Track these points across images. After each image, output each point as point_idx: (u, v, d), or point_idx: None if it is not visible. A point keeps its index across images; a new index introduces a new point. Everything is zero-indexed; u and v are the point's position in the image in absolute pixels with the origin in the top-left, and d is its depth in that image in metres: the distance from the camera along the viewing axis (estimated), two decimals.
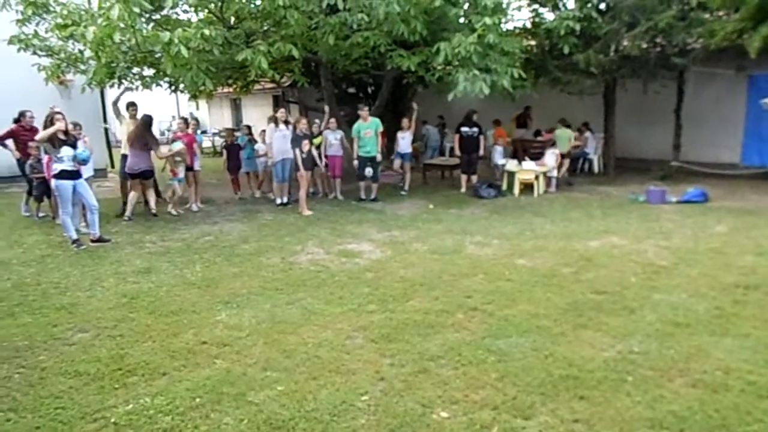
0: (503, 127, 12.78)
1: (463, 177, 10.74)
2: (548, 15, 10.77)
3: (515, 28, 11.20)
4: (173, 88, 11.74)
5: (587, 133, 12.50)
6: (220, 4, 8.38)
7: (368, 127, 9.55)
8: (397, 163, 10.79)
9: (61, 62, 9.56)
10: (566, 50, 9.60)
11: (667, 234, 6.83)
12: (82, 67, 9.57)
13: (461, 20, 8.95)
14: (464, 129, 10.50)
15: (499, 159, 11.37)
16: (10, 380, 3.48)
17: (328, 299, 4.82)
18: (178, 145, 8.59)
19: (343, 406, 3.10)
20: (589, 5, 9.88)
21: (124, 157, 8.43)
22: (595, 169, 12.59)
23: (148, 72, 10.23)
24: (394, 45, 9.28)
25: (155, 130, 8.82)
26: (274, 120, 9.41)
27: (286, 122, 9.28)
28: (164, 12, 9.18)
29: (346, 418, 2.99)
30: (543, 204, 9.25)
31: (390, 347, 3.84)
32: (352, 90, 15.56)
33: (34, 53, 9.31)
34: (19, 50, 9.11)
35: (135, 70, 9.89)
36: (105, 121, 12.91)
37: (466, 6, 9.10)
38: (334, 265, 5.85)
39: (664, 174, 10.99)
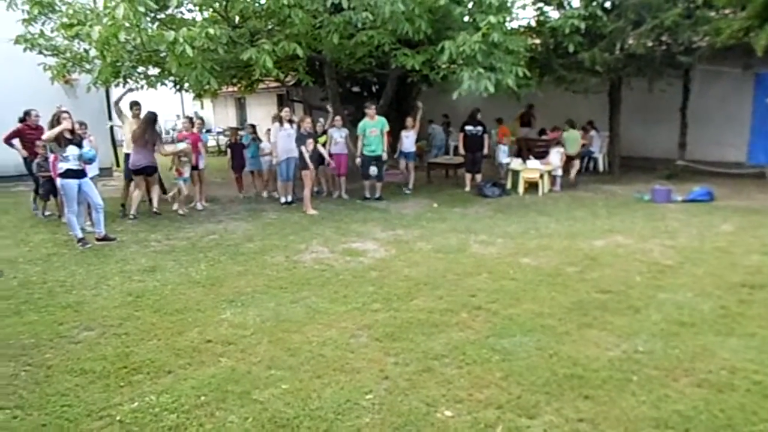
0: (506, 126, 12.75)
1: (468, 176, 10.72)
2: (553, 13, 10.75)
3: (520, 26, 11.16)
4: (178, 87, 11.76)
5: (592, 132, 12.46)
6: (224, 3, 8.40)
7: (374, 125, 9.54)
8: (402, 163, 10.79)
9: (66, 61, 9.61)
10: (571, 49, 9.57)
11: (673, 233, 6.81)
12: (88, 66, 9.60)
13: (466, 19, 8.92)
14: (468, 128, 10.49)
15: (503, 158, 11.35)
16: (16, 378, 3.51)
17: (332, 298, 4.82)
18: (183, 145, 8.63)
19: (348, 405, 3.10)
20: (594, 3, 9.84)
21: (127, 156, 8.47)
22: (600, 167, 12.55)
23: (153, 71, 10.25)
24: (399, 44, 9.27)
25: (160, 129, 8.85)
26: (278, 119, 9.42)
27: (290, 121, 9.29)
28: (169, 11, 9.19)
29: (350, 417, 2.99)
30: (548, 203, 9.22)
31: (394, 346, 3.84)
32: (356, 89, 15.55)
33: (40, 53, 9.35)
34: (25, 50, 9.16)
35: (140, 69, 9.91)
36: (110, 118, 12.95)
37: (470, 4, 9.07)
38: (339, 264, 5.85)
39: (670, 173, 10.95)
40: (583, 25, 9.10)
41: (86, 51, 9.40)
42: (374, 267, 5.71)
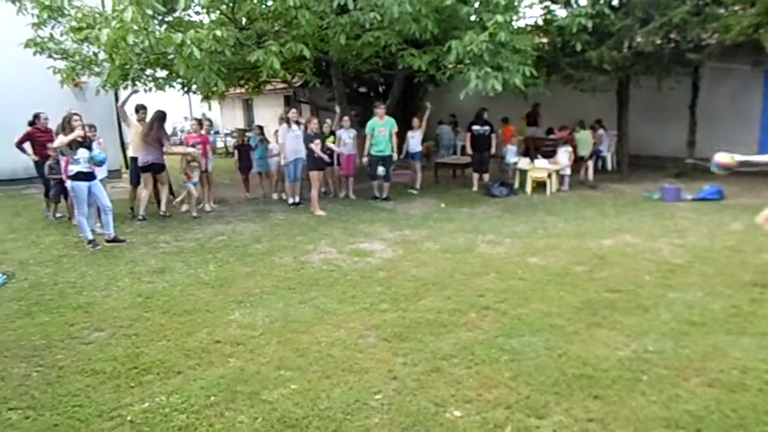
0: (513, 125, 12.71)
1: (475, 175, 10.70)
2: (560, 12, 10.68)
3: (527, 25, 11.13)
4: (186, 89, 11.83)
5: (600, 131, 12.38)
6: (231, 5, 8.43)
7: (383, 125, 9.53)
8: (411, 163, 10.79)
9: (75, 65, 9.68)
10: (579, 47, 9.51)
11: (682, 232, 6.76)
12: (97, 69, 9.70)
13: (472, 18, 8.90)
14: (475, 127, 10.47)
15: (511, 157, 11.32)
16: (28, 378, 3.54)
17: (340, 298, 4.83)
18: (192, 149, 8.71)
19: (357, 405, 3.11)
20: (602, 1, 9.78)
21: (133, 160, 8.52)
22: (609, 166, 12.48)
23: (161, 73, 10.32)
24: (405, 44, 9.27)
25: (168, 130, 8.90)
26: (286, 120, 9.45)
27: (297, 122, 9.31)
28: (177, 14, 9.25)
29: (359, 417, 3.00)
30: (555, 202, 9.19)
31: (403, 346, 3.84)
32: (363, 89, 15.57)
33: (50, 56, 9.44)
34: (35, 53, 9.25)
35: (148, 71, 9.97)
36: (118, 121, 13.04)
37: (477, 4, 9.05)
38: (347, 264, 5.86)
39: (679, 171, 10.87)
40: (590, 24, 9.03)
41: (95, 54, 9.49)
42: (382, 267, 5.72)
